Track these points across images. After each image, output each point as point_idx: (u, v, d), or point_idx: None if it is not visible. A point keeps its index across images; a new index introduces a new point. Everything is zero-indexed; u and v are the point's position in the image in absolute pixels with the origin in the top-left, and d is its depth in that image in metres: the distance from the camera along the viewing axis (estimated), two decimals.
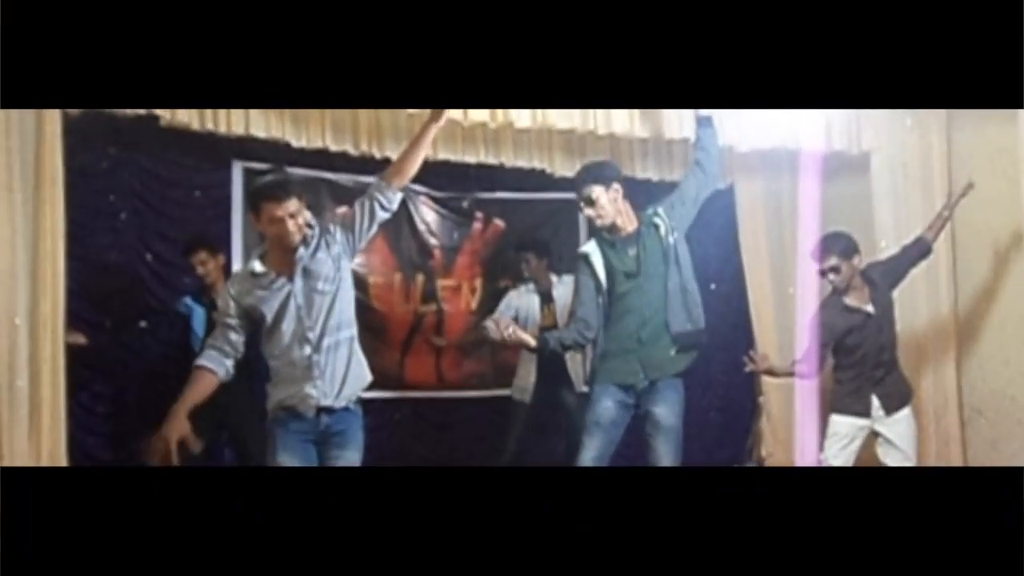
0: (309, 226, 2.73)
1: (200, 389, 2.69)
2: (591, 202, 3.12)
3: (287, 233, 2.66)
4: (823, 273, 3.52)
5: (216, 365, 2.71)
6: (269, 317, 2.71)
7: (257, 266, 2.74)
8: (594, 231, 3.28)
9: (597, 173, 3.17)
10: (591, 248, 3.20)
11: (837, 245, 3.49)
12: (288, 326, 2.71)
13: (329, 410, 2.74)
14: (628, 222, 3.17)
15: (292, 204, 2.65)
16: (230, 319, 2.73)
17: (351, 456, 2.78)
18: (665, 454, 3.07)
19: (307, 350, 2.70)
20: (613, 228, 3.15)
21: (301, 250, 2.71)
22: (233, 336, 2.74)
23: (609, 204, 3.12)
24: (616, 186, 3.15)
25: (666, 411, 3.07)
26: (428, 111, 3.41)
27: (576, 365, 4.37)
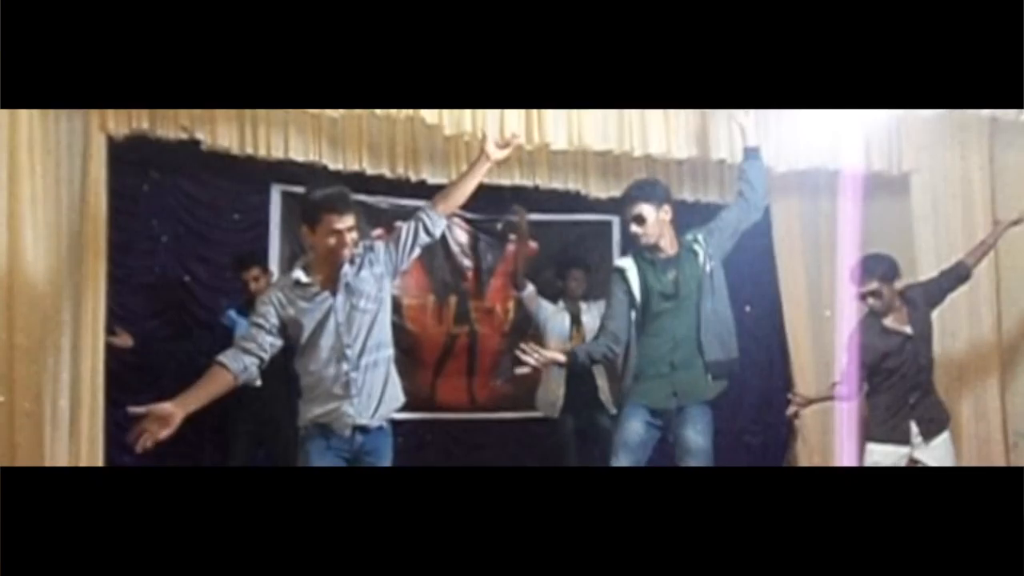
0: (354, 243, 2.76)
1: (210, 386, 2.55)
2: (640, 220, 3.10)
3: (342, 246, 2.66)
4: (863, 297, 3.45)
5: (233, 362, 2.59)
6: (307, 331, 2.69)
7: (302, 276, 2.72)
8: (633, 248, 3.25)
9: (649, 191, 3.15)
10: (627, 264, 3.17)
11: (879, 268, 3.41)
12: (327, 342, 2.69)
13: (363, 429, 2.73)
14: (670, 245, 3.15)
15: (351, 219, 2.68)
16: (265, 322, 2.68)
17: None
18: (695, 444, 3.04)
19: (344, 367, 2.68)
20: (654, 248, 3.12)
21: (346, 267, 2.72)
22: (261, 337, 2.65)
23: (656, 224, 3.10)
24: (666, 208, 3.13)
25: (695, 434, 3.04)
26: (465, 131, 3.48)
27: (605, 387, 4.35)
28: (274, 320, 2.69)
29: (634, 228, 3.12)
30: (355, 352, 2.69)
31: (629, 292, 3.11)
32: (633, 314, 3.10)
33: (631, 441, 3.06)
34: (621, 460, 3.05)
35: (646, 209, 3.09)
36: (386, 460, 2.81)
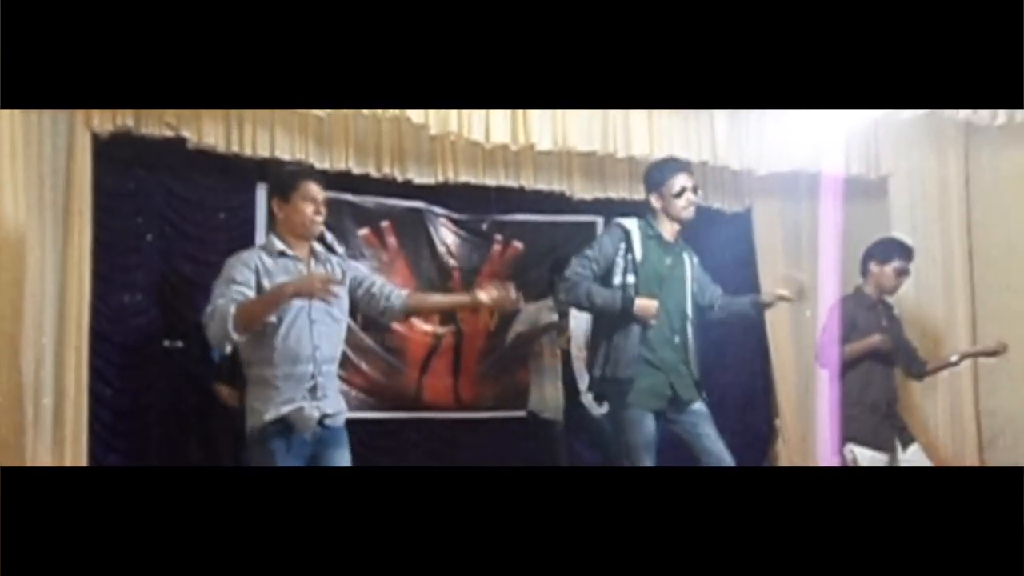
0: (331, 250, 2.75)
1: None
2: (682, 191, 2.98)
3: (318, 214, 2.65)
4: (899, 273, 3.51)
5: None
6: (281, 324, 2.59)
7: (285, 247, 2.64)
8: (647, 213, 3.07)
9: (682, 165, 3.09)
10: (632, 225, 3.03)
11: (906, 251, 3.52)
12: (297, 340, 2.60)
13: (323, 426, 2.66)
14: (673, 232, 3.07)
15: (322, 193, 2.68)
16: (246, 285, 2.54)
17: (343, 461, 2.71)
18: (715, 436, 2.98)
19: (310, 367, 2.61)
20: (666, 229, 3.02)
21: (318, 245, 2.73)
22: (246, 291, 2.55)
23: (693, 198, 3.01)
24: (697, 187, 3.06)
25: (713, 435, 3.01)
26: (451, 131, 3.48)
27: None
28: (253, 284, 2.57)
29: (677, 202, 2.97)
30: (323, 355, 2.65)
31: (631, 250, 2.97)
32: (631, 278, 2.95)
33: (650, 441, 2.95)
34: (645, 461, 2.94)
35: (684, 180, 3.01)
36: (344, 453, 2.73)
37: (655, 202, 3.06)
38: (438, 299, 2.91)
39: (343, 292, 2.72)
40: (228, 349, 2.69)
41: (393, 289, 2.83)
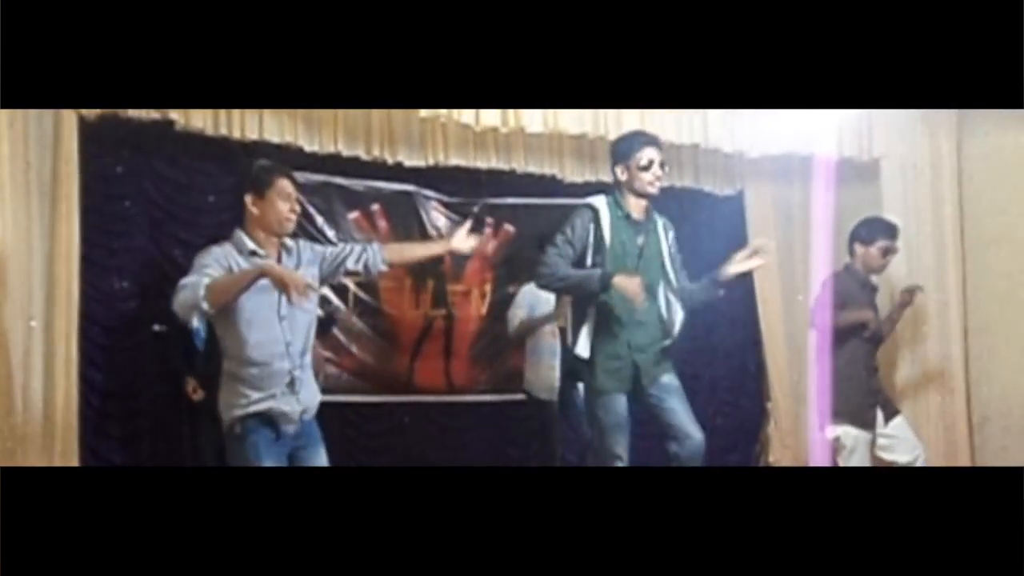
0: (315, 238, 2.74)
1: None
2: (648, 166, 2.88)
3: (293, 212, 2.64)
4: (885, 252, 3.52)
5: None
6: (250, 316, 2.57)
7: (256, 247, 2.60)
8: (614, 192, 2.99)
9: (650, 138, 2.99)
10: (601, 203, 2.94)
11: (893, 230, 3.55)
12: (270, 335, 2.60)
13: (300, 422, 2.68)
14: (643, 210, 3.00)
15: (296, 192, 2.69)
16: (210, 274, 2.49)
17: (320, 459, 2.73)
18: (682, 410, 2.92)
19: (286, 363, 2.62)
20: (632, 206, 2.95)
21: (286, 247, 2.70)
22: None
23: (659, 173, 2.91)
24: (664, 163, 2.96)
25: (669, 378, 2.98)
26: (441, 113, 3.45)
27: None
28: (218, 276, 2.51)
29: (644, 176, 2.88)
30: (297, 350, 2.65)
31: (599, 230, 2.88)
32: (599, 258, 2.87)
33: (620, 422, 2.92)
34: (620, 442, 2.90)
35: (653, 153, 2.91)
36: (319, 445, 2.74)
37: (620, 174, 2.96)
38: (414, 248, 2.98)
39: (315, 281, 2.68)
40: (196, 323, 2.63)
41: (367, 246, 2.81)
